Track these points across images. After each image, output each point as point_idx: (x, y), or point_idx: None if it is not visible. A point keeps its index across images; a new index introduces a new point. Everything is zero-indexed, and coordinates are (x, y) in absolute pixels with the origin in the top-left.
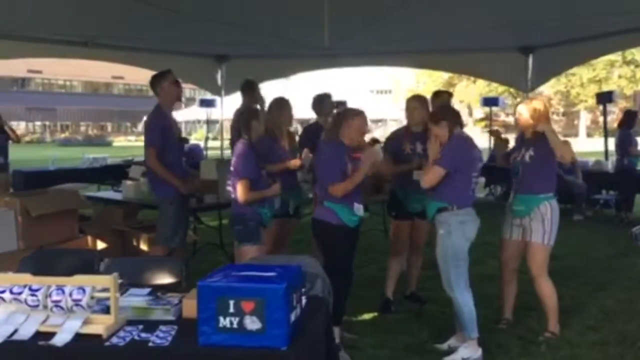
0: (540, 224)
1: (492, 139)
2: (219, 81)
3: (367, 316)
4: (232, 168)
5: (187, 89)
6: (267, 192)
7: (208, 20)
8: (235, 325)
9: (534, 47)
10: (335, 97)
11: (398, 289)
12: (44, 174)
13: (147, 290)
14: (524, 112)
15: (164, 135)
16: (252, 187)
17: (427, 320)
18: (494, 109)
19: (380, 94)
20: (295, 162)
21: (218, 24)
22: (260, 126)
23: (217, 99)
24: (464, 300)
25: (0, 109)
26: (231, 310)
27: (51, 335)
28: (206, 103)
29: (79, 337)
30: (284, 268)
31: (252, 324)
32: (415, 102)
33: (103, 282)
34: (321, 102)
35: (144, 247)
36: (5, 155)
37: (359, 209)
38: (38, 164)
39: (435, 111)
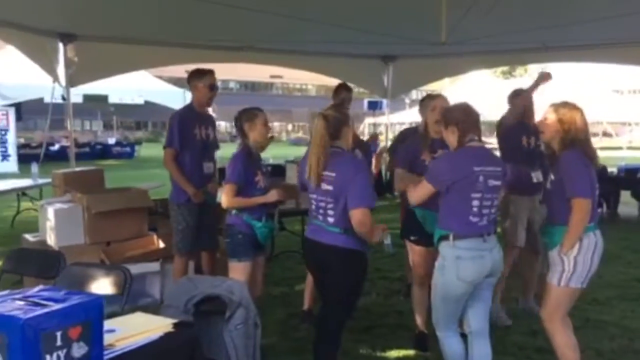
0: (558, 261)
1: None
2: (385, 82)
3: (396, 353)
4: None
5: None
6: (255, 199)
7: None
8: None
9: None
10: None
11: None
12: None
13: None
14: (551, 116)
15: (184, 136)
16: (243, 194)
17: None
18: None
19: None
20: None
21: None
22: (255, 130)
23: (384, 101)
24: (448, 344)
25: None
26: None
27: None
28: (373, 105)
29: None
30: (77, 296)
31: None
32: (437, 102)
33: None
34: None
35: None
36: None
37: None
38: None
39: (445, 111)
